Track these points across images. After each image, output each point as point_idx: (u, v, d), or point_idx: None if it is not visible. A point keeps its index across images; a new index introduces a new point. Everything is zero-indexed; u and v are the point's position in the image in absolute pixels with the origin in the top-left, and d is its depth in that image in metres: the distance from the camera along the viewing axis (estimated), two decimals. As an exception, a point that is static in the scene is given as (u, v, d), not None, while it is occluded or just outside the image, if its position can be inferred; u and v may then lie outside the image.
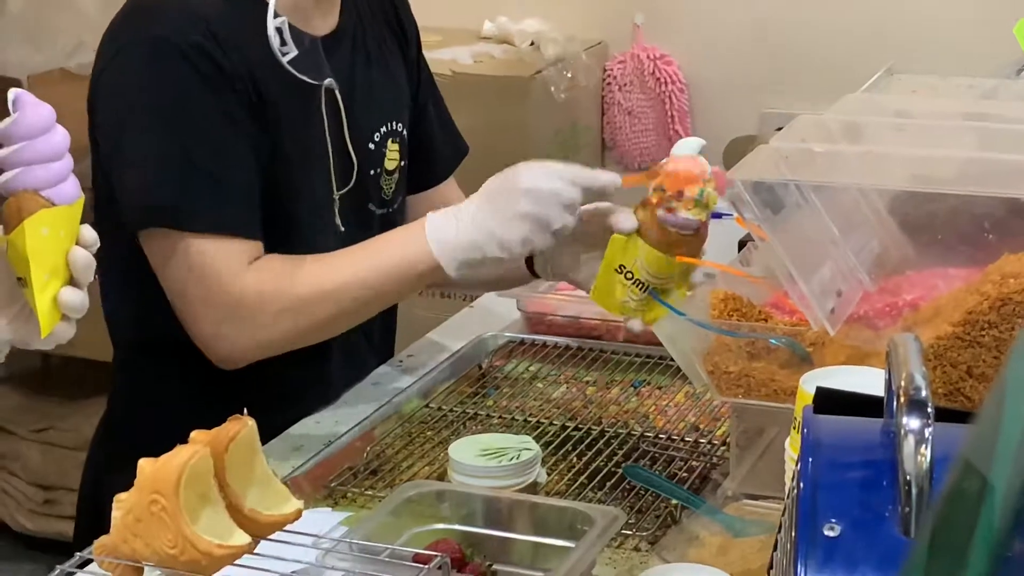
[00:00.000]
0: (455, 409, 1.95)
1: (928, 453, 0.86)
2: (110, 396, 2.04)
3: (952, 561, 0.69)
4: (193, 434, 1.23)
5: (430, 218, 1.76)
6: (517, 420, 1.90)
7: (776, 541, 1.02)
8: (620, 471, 1.73)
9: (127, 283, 1.93)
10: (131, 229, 1.83)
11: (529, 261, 1.99)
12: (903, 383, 0.90)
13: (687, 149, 1.77)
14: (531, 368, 2.08)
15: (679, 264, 1.78)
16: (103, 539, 1.20)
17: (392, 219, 1.99)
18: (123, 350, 2.01)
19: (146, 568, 1.20)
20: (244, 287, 1.79)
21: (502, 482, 1.61)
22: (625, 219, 1.83)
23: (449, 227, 1.74)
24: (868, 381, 1.22)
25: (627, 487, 1.70)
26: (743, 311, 1.63)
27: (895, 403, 0.90)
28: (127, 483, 1.20)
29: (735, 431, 1.66)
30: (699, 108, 3.78)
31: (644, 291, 1.76)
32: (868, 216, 1.68)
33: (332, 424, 1.89)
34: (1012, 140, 1.61)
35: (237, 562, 1.19)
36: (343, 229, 1.92)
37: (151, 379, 1.97)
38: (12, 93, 1.33)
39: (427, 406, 1.96)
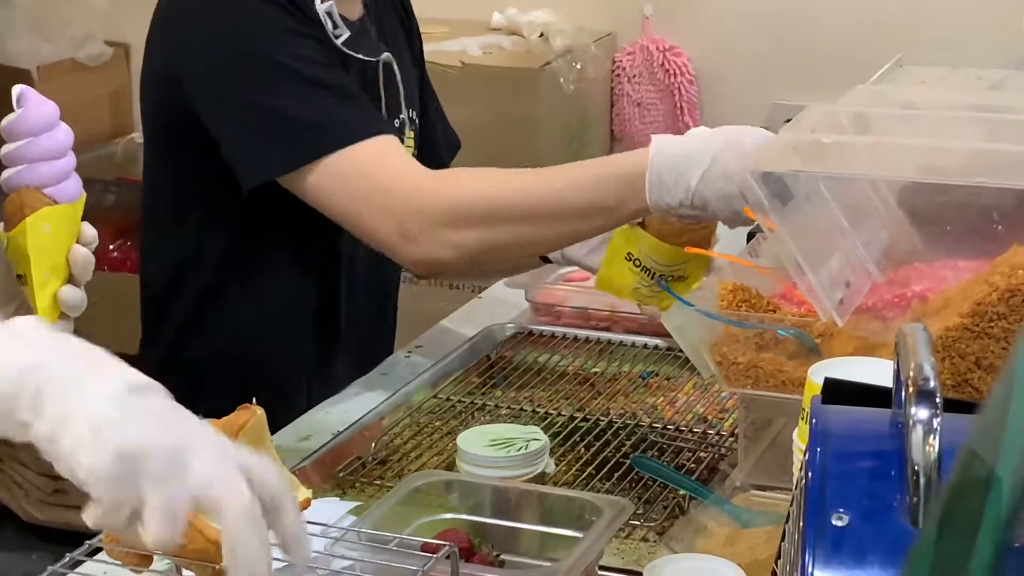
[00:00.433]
0: (463, 399, 1.95)
1: (936, 443, 0.86)
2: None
3: (958, 551, 0.70)
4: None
5: (659, 140, 1.71)
6: (525, 410, 1.90)
7: (784, 531, 1.02)
8: (628, 462, 1.73)
9: (165, 255, 1.94)
10: (278, 174, 1.79)
11: None
12: (912, 373, 0.90)
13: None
14: (539, 359, 2.08)
15: (685, 253, 1.78)
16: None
17: None
18: (148, 339, 2.01)
19: (155, 556, 1.21)
20: (429, 182, 1.75)
21: (510, 472, 1.61)
22: None
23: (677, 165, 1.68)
24: (876, 372, 1.22)
25: (635, 478, 1.70)
26: (751, 302, 1.63)
27: (904, 393, 0.90)
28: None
29: (743, 422, 1.65)
30: (708, 100, 3.78)
31: (652, 277, 1.77)
32: (877, 207, 1.68)
33: (340, 414, 1.90)
34: (1021, 131, 1.61)
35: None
36: None
37: (163, 366, 1.97)
38: (16, 90, 1.34)
39: (435, 396, 1.96)
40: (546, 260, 2.01)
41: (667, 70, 3.75)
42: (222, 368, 1.94)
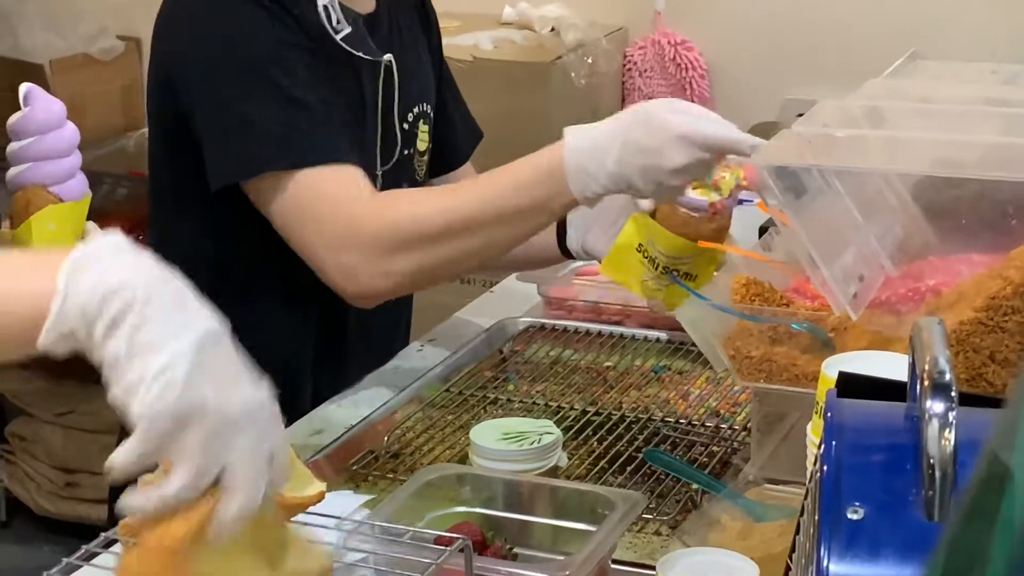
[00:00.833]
0: (476, 393, 1.95)
1: (952, 437, 0.86)
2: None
3: (978, 545, 0.69)
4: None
5: (571, 131, 1.72)
6: (538, 404, 1.90)
7: (799, 525, 1.02)
8: (641, 455, 1.73)
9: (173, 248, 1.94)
10: (232, 180, 1.80)
11: (561, 241, 2.00)
12: (927, 366, 0.90)
13: None
14: (552, 353, 2.09)
15: (694, 246, 1.78)
16: (128, 519, 1.20)
17: None
18: None
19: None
20: (369, 213, 1.75)
21: (523, 466, 1.61)
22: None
23: (590, 153, 1.69)
24: (890, 366, 1.22)
25: (648, 471, 1.70)
26: (765, 296, 1.63)
27: (919, 387, 0.90)
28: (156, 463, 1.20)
29: (756, 416, 1.65)
30: (720, 94, 3.77)
31: (656, 269, 1.77)
32: (890, 201, 1.68)
33: (353, 408, 1.90)
34: (1036, 125, 1.61)
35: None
36: None
37: None
38: (24, 88, 1.34)
39: (448, 390, 1.96)
40: (567, 255, 2.01)
41: (679, 64, 3.74)
42: None
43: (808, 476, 1.20)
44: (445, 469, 1.53)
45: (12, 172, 1.33)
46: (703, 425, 1.83)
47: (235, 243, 1.91)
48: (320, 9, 1.83)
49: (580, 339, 2.12)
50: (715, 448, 1.77)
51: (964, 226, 1.60)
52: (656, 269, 1.78)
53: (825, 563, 0.85)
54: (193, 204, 1.90)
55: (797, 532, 1.02)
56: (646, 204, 1.84)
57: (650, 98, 3.80)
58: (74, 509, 3.59)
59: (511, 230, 1.75)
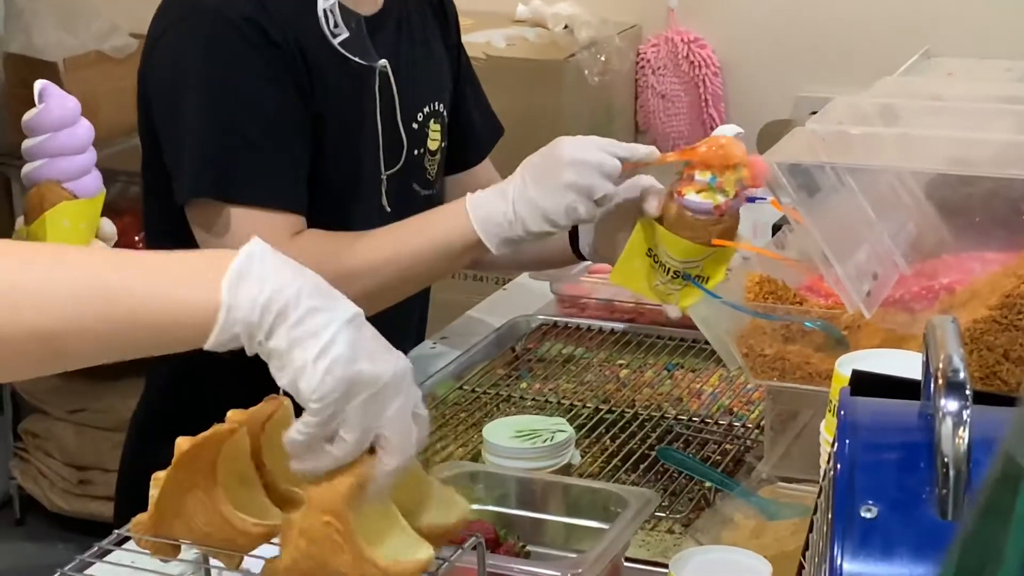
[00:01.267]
0: (489, 391, 1.95)
1: (966, 435, 0.86)
2: (149, 376, 2.05)
3: (994, 542, 0.69)
4: (230, 413, 1.23)
5: (471, 195, 1.76)
6: (551, 402, 1.90)
7: (812, 523, 1.02)
8: (654, 453, 1.73)
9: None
10: (178, 199, 1.83)
11: (575, 243, 2.00)
12: (941, 365, 0.89)
13: (719, 134, 1.78)
14: (564, 351, 2.08)
15: (702, 249, 1.78)
16: (140, 517, 1.21)
17: (435, 200, 2.00)
18: None
19: (183, 546, 1.21)
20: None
21: (536, 464, 1.61)
22: (650, 202, 1.84)
23: (491, 203, 1.73)
24: (904, 364, 1.22)
25: (661, 469, 1.70)
26: (778, 294, 1.62)
27: (933, 385, 0.90)
28: (166, 461, 1.20)
29: (769, 414, 1.65)
30: (733, 92, 3.77)
31: (667, 273, 1.76)
32: (904, 199, 1.68)
33: (366, 405, 1.90)
34: (1050, 123, 1.61)
35: (272, 541, 1.19)
36: (389, 210, 1.93)
37: (191, 358, 1.97)
38: (39, 85, 1.34)
39: (461, 388, 1.96)
40: (580, 256, 2.01)
41: (692, 62, 3.74)
42: (239, 364, 1.94)
43: (821, 474, 1.20)
44: (458, 467, 1.53)
45: (27, 168, 1.33)
46: (716, 423, 1.83)
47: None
48: (320, 13, 1.82)
49: (593, 337, 2.12)
50: (728, 446, 1.76)
51: (978, 224, 1.60)
52: (667, 273, 1.78)
53: (839, 561, 0.85)
54: (177, 215, 1.90)
55: (810, 530, 1.02)
56: (651, 210, 1.84)
57: (663, 96, 3.81)
58: (87, 507, 3.60)
59: (422, 277, 1.84)
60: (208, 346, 1.11)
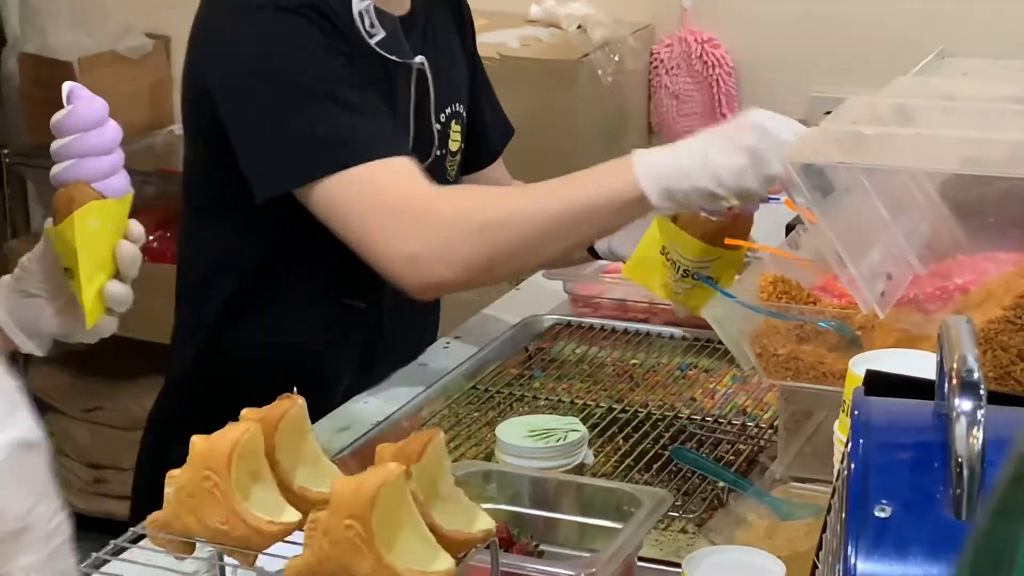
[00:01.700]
0: (502, 391, 1.95)
1: (980, 435, 0.86)
2: (167, 375, 2.06)
3: (1004, 548, 0.69)
4: (244, 412, 1.24)
5: (639, 151, 1.70)
6: (564, 402, 1.90)
7: (825, 523, 1.02)
8: (667, 453, 1.73)
9: (204, 243, 1.95)
10: (283, 190, 1.79)
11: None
12: (955, 365, 0.89)
13: None
14: (578, 350, 2.08)
15: (714, 250, 1.78)
16: (156, 515, 1.21)
17: None
18: (185, 328, 2.02)
19: (197, 543, 1.21)
20: (433, 201, 1.75)
21: (549, 463, 1.61)
22: None
23: (660, 154, 1.67)
24: (918, 365, 1.22)
25: (674, 469, 1.70)
26: (792, 294, 1.62)
27: (947, 385, 0.89)
28: (182, 460, 1.21)
29: (783, 414, 1.65)
30: (747, 92, 3.76)
31: (679, 272, 1.77)
32: (918, 199, 1.67)
33: (379, 404, 1.90)
34: (1065, 123, 1.60)
35: (286, 539, 1.20)
36: None
37: (211, 357, 1.98)
38: (67, 87, 1.34)
39: (474, 387, 1.96)
40: (595, 255, 2.01)
41: (705, 62, 3.73)
42: (259, 363, 1.95)
43: (835, 474, 1.20)
44: (471, 466, 1.54)
45: (55, 169, 1.34)
46: (730, 423, 1.83)
47: (269, 246, 1.90)
48: (355, 14, 1.82)
49: (606, 336, 2.12)
50: (741, 446, 1.76)
51: (992, 224, 1.59)
52: (678, 272, 1.78)
53: (852, 561, 0.85)
54: (229, 208, 1.90)
55: (824, 530, 1.02)
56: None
57: (677, 96, 3.81)
58: (102, 505, 3.60)
59: (578, 230, 1.75)
60: None
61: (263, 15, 1.80)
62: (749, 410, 1.86)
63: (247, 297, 1.94)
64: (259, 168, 1.80)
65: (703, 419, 1.84)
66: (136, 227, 1.37)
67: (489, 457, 1.71)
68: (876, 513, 0.87)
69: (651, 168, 1.66)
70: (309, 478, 1.25)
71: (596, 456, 1.73)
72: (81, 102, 1.33)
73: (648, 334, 2.11)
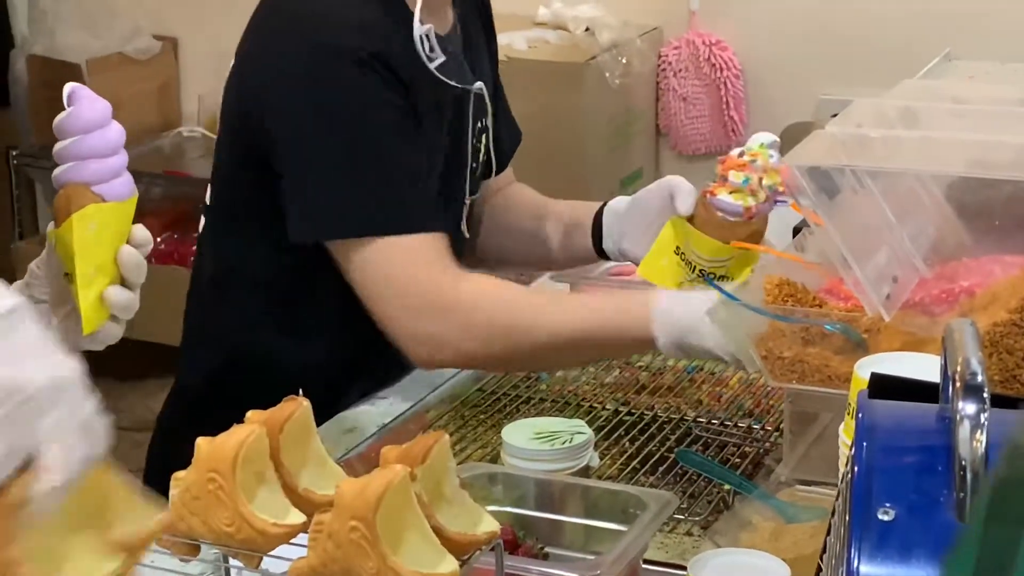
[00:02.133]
0: (508, 393, 1.95)
1: (984, 438, 0.86)
2: (177, 378, 2.05)
3: (1005, 541, 0.69)
4: (249, 414, 1.24)
5: (660, 297, 1.75)
6: (570, 404, 1.90)
7: (830, 526, 1.02)
8: (673, 456, 1.73)
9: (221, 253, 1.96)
10: (317, 238, 1.81)
11: (597, 242, 2.00)
12: (959, 368, 0.89)
13: (755, 141, 1.79)
14: (584, 353, 2.08)
15: (730, 250, 1.78)
16: (161, 516, 1.21)
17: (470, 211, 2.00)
18: (199, 333, 2.02)
19: (203, 545, 1.22)
20: (457, 292, 1.78)
21: (554, 465, 1.61)
22: (682, 201, 1.85)
23: (678, 308, 1.72)
24: (923, 368, 1.22)
25: (679, 472, 1.70)
26: (798, 296, 1.62)
27: (951, 388, 0.89)
28: (190, 462, 1.21)
29: (788, 417, 1.65)
30: (755, 94, 3.76)
31: (693, 271, 1.77)
32: (924, 202, 1.67)
33: (385, 407, 1.90)
34: (1071, 126, 1.60)
35: (291, 541, 1.20)
36: (467, 235, 1.94)
37: (225, 364, 1.97)
38: (68, 88, 1.32)
39: (480, 389, 1.96)
40: (603, 256, 2.01)
41: (713, 64, 3.74)
42: (273, 371, 1.94)
43: (840, 477, 1.20)
44: (477, 468, 1.54)
45: (57, 171, 1.32)
46: (735, 426, 1.83)
47: (294, 258, 1.90)
48: (417, 40, 1.82)
49: (613, 339, 2.11)
50: (747, 449, 1.76)
51: (998, 227, 1.59)
52: (693, 272, 1.78)
53: (855, 564, 0.85)
54: (259, 219, 1.89)
55: (828, 533, 1.02)
56: (683, 208, 1.84)
57: (685, 98, 3.80)
58: None
59: (581, 355, 1.85)
60: None
61: (327, 60, 1.77)
62: (755, 413, 1.86)
63: (267, 306, 1.93)
64: (299, 211, 1.81)
65: (709, 422, 1.84)
66: (140, 232, 1.34)
67: (495, 459, 1.71)
68: (880, 516, 0.87)
69: (667, 323, 1.72)
70: (314, 480, 1.25)
71: (602, 458, 1.73)
72: (83, 103, 1.31)
73: (654, 336, 2.10)
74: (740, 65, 3.74)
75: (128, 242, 1.34)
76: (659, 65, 3.80)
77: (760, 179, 1.79)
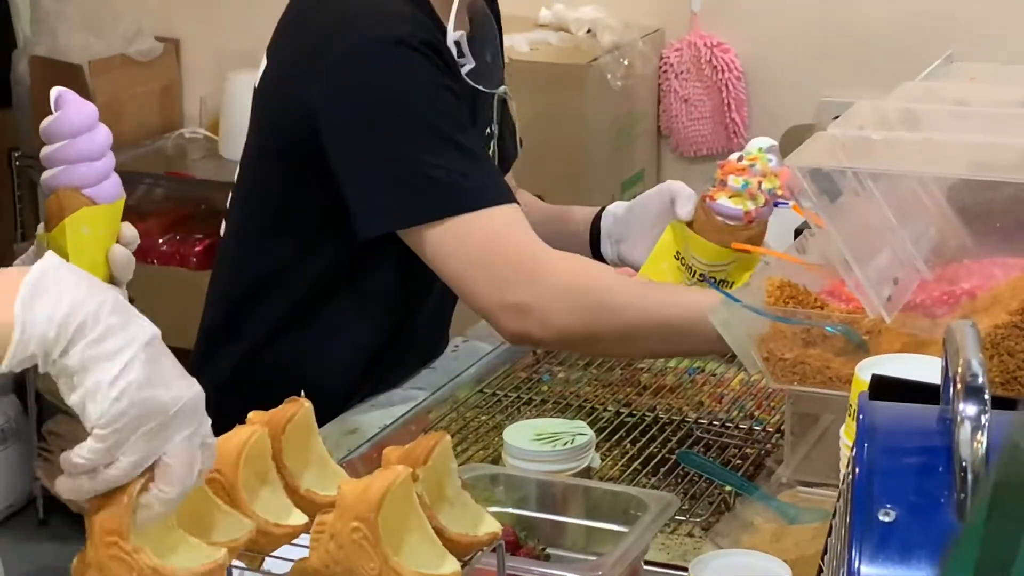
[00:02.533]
0: (509, 394, 1.95)
1: (984, 440, 0.86)
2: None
3: (1007, 537, 0.69)
4: (251, 415, 1.24)
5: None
6: (571, 405, 1.91)
7: (831, 527, 1.02)
8: (674, 457, 1.73)
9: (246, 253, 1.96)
10: (395, 227, 1.80)
11: (595, 246, 2.01)
12: (960, 369, 0.90)
13: (753, 146, 1.80)
14: (586, 354, 2.08)
15: (730, 253, 1.79)
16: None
17: None
18: (218, 336, 2.01)
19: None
20: (548, 261, 1.77)
21: (556, 466, 1.62)
22: (682, 205, 1.85)
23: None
24: (924, 369, 1.22)
25: (681, 473, 1.70)
26: (799, 298, 1.62)
27: (952, 389, 0.90)
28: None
29: (789, 418, 1.65)
30: (756, 96, 3.76)
31: (694, 276, 1.78)
32: (925, 204, 1.68)
33: (388, 408, 1.91)
34: (1073, 128, 1.60)
35: (293, 541, 1.20)
36: None
37: (245, 369, 1.97)
38: (55, 92, 1.34)
39: (482, 391, 1.97)
40: (600, 260, 2.01)
41: (715, 66, 3.74)
42: (292, 378, 1.94)
43: (841, 478, 1.20)
44: (478, 469, 1.54)
45: (46, 175, 1.33)
46: (736, 427, 1.83)
47: (324, 266, 1.90)
48: (452, 45, 1.82)
49: (614, 340, 2.11)
50: (748, 450, 1.77)
51: (999, 229, 1.59)
52: (693, 276, 1.79)
53: (856, 565, 0.85)
54: (293, 226, 1.89)
55: (829, 534, 1.03)
56: (684, 213, 1.85)
57: (686, 100, 3.80)
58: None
59: (674, 345, 1.82)
60: (4, 368, 1.05)
61: (383, 48, 1.78)
62: (756, 414, 1.86)
63: (293, 314, 1.93)
64: (369, 204, 1.80)
65: (710, 423, 1.84)
66: (128, 230, 1.37)
67: (496, 460, 1.71)
68: (880, 517, 0.87)
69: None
70: (316, 481, 1.25)
71: (603, 460, 1.74)
72: (71, 107, 1.32)
73: (656, 338, 2.11)
74: (742, 67, 3.74)
75: (118, 241, 1.36)
76: (661, 67, 3.81)
77: (759, 183, 1.80)
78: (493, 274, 1.76)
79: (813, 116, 3.42)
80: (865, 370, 1.35)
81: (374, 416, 1.88)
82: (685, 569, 1.37)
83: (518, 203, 1.81)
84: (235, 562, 1.23)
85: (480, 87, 1.87)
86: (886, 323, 1.53)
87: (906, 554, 0.86)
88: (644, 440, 1.80)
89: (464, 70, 1.84)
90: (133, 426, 1.02)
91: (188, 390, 1.05)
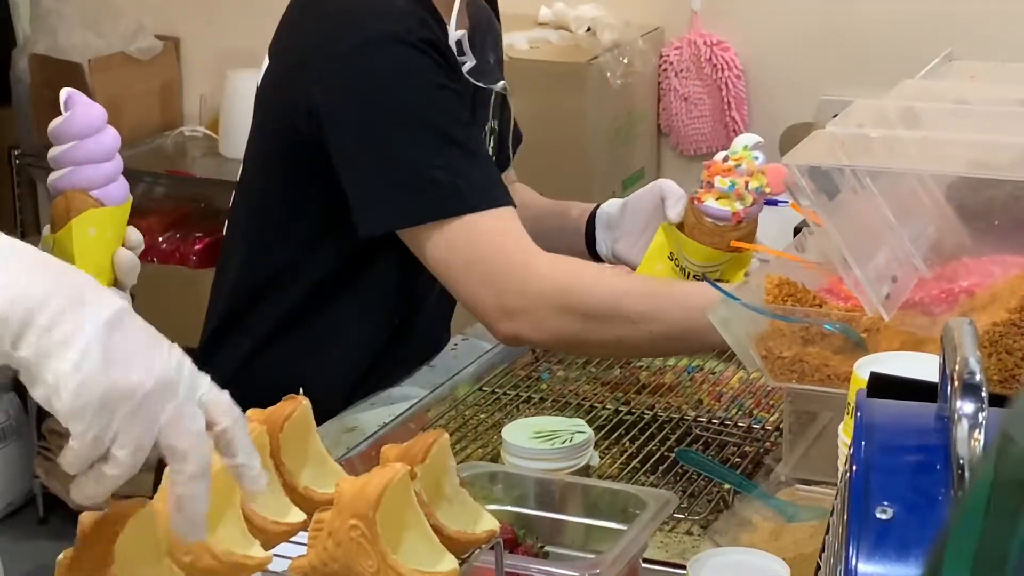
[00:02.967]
0: (508, 392, 1.95)
1: (982, 437, 0.86)
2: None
3: (1001, 531, 0.69)
4: (249, 413, 1.24)
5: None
6: (570, 403, 1.91)
7: (829, 525, 1.02)
8: (673, 455, 1.73)
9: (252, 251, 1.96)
10: (394, 227, 1.81)
11: (591, 246, 2.01)
12: (957, 367, 0.90)
13: (738, 144, 1.79)
14: (585, 352, 2.08)
15: (722, 254, 1.79)
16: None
17: None
18: (221, 336, 2.01)
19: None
20: (539, 266, 1.78)
21: (555, 464, 1.62)
22: (672, 207, 1.86)
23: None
24: (923, 367, 1.22)
25: (679, 471, 1.70)
26: (797, 296, 1.62)
27: (949, 387, 0.90)
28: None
29: (788, 416, 1.65)
30: (756, 95, 3.76)
31: (688, 277, 1.78)
32: (924, 202, 1.68)
33: (386, 406, 1.91)
34: (1071, 126, 1.60)
35: (292, 539, 1.20)
36: None
37: (233, 357, 1.98)
38: (64, 93, 1.34)
39: (480, 389, 1.97)
40: (596, 258, 2.01)
41: (714, 65, 3.74)
42: (295, 379, 1.94)
43: (839, 476, 1.20)
44: (477, 467, 1.54)
45: (53, 176, 1.33)
46: (735, 425, 1.83)
47: (326, 262, 1.90)
48: (453, 44, 1.83)
49: (613, 339, 2.11)
50: (747, 448, 1.77)
51: (998, 227, 1.59)
52: (688, 277, 1.79)
53: (853, 562, 0.85)
54: (297, 226, 1.89)
55: (827, 532, 1.03)
56: (674, 215, 1.85)
57: (686, 98, 3.80)
58: (109, 505, 3.61)
59: (675, 346, 1.83)
60: None
61: (385, 47, 1.78)
62: (755, 412, 1.86)
63: (295, 313, 1.93)
64: (369, 203, 1.80)
65: (709, 421, 1.84)
66: (134, 234, 1.36)
67: (495, 458, 1.71)
68: (877, 515, 0.87)
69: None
70: (314, 479, 1.25)
71: (602, 458, 1.74)
72: (79, 108, 1.32)
73: (655, 336, 2.11)
74: (741, 65, 3.75)
75: (123, 244, 1.36)
76: (660, 65, 3.81)
77: (746, 183, 1.80)
78: (487, 277, 1.77)
79: (813, 114, 3.42)
80: (863, 368, 1.35)
81: (373, 414, 1.88)
82: (683, 567, 1.37)
83: (514, 205, 1.81)
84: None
85: (481, 84, 1.87)
86: (884, 321, 1.53)
87: (903, 551, 0.86)
88: (643, 438, 1.80)
89: (465, 68, 1.84)
90: (105, 415, 0.95)
91: (162, 362, 0.97)
